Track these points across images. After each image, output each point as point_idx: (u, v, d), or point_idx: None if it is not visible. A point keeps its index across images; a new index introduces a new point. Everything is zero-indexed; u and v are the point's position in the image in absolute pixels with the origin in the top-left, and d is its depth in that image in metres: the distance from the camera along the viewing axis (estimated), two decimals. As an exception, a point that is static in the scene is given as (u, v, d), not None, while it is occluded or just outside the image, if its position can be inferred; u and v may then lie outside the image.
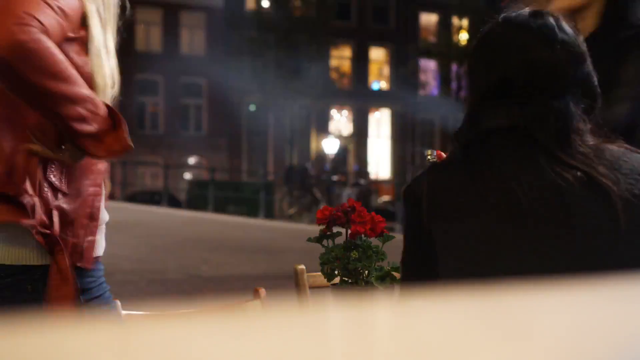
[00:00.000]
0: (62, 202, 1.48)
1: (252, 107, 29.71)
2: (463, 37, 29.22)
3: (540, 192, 1.27)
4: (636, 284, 0.50)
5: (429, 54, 29.73)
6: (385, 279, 1.61)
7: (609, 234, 1.25)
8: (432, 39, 31.59)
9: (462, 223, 1.29)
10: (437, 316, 0.41)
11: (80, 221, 1.51)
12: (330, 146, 29.40)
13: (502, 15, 1.38)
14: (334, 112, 31.93)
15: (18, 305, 1.45)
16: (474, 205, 1.29)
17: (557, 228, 1.25)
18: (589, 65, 1.34)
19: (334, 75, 30.41)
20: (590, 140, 1.31)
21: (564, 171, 1.27)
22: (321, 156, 30.03)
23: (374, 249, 1.64)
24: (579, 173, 1.26)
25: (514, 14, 1.37)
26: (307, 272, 1.95)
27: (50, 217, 1.46)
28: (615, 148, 1.32)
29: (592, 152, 1.29)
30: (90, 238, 1.52)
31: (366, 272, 1.63)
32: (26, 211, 1.43)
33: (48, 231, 1.44)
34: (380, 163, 32.73)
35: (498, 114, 1.32)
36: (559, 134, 1.29)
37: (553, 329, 0.40)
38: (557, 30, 1.33)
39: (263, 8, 27.76)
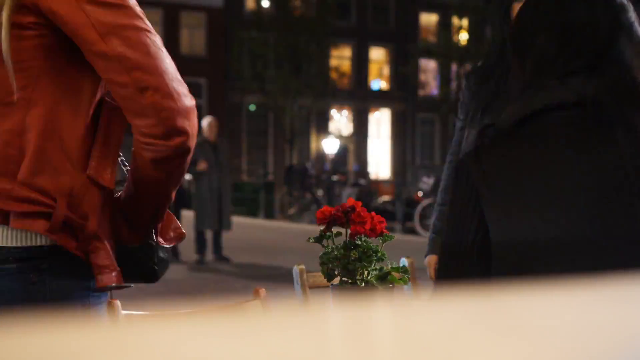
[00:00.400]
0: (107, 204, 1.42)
1: (252, 107, 29.72)
2: (463, 37, 29.21)
3: (615, 176, 1.19)
4: (636, 284, 0.50)
5: (429, 54, 29.72)
6: (385, 279, 1.61)
7: None
8: (432, 39, 31.59)
9: (525, 214, 1.21)
10: (437, 316, 0.41)
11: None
12: (330, 146, 29.41)
13: None
14: (334, 112, 31.92)
15: (20, 299, 1.32)
16: (539, 194, 1.21)
17: (626, 212, 1.17)
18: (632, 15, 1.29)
19: (334, 75, 30.40)
20: None
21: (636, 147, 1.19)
22: (321, 156, 30.03)
23: (374, 249, 1.64)
24: None
25: None
26: (307, 272, 1.95)
27: (86, 218, 1.36)
28: None
29: None
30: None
31: (366, 272, 1.63)
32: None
33: (74, 231, 1.35)
34: (380, 163, 32.73)
35: (560, 89, 1.24)
36: (631, 105, 1.21)
37: (554, 329, 0.40)
38: None
39: (263, 8, 27.76)
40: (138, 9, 1.30)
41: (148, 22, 1.30)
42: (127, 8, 1.28)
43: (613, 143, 1.21)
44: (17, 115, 1.28)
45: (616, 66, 1.25)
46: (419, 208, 14.52)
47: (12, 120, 1.28)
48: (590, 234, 1.18)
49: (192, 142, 1.32)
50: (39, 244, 1.32)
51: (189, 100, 1.29)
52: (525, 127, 1.25)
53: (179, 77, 1.30)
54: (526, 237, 1.21)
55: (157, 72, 1.25)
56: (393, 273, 1.62)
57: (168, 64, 1.28)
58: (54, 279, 1.33)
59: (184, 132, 1.28)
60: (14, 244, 1.32)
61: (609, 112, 1.22)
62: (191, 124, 1.30)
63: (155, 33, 1.31)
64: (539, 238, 1.20)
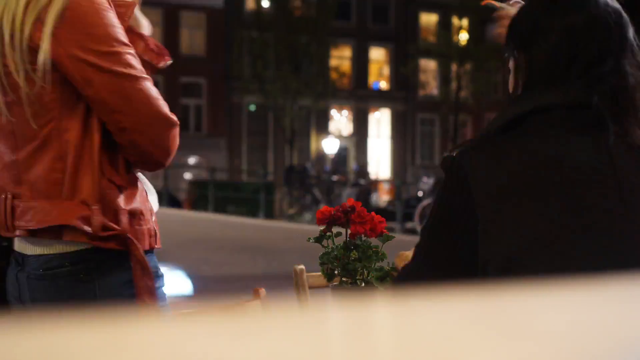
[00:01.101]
0: (127, 198, 1.51)
1: (252, 107, 29.72)
2: (463, 37, 29.21)
3: (598, 174, 1.20)
4: (636, 283, 0.50)
5: (429, 54, 29.72)
6: (385, 279, 1.61)
7: None
8: (432, 39, 31.58)
9: (516, 205, 1.20)
10: (437, 316, 0.41)
11: (145, 206, 1.56)
12: (330, 146, 29.40)
13: None
14: (334, 112, 31.92)
15: (73, 297, 1.48)
16: (529, 187, 1.20)
17: (614, 216, 1.18)
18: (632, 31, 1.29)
19: (334, 75, 30.39)
20: None
21: (627, 153, 1.21)
22: (321, 156, 30.03)
23: (374, 249, 1.64)
24: None
25: None
26: (307, 272, 1.95)
27: (116, 216, 1.48)
28: None
29: None
30: (154, 218, 1.60)
31: (366, 272, 1.63)
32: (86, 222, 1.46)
33: (112, 232, 1.47)
34: (380, 163, 32.72)
35: (555, 91, 1.25)
36: (623, 112, 1.23)
37: (553, 329, 0.40)
38: None
39: (263, 8, 27.76)
40: (127, 52, 1.47)
41: (134, 61, 1.48)
42: (114, 54, 1.45)
43: (598, 144, 1.22)
44: (55, 143, 1.47)
45: (618, 77, 1.25)
46: (419, 208, 14.51)
47: (53, 149, 1.47)
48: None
49: (167, 163, 1.54)
50: (85, 247, 1.49)
51: (168, 130, 1.53)
52: (518, 128, 1.25)
53: (160, 108, 1.51)
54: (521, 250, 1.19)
55: (132, 113, 1.47)
56: (393, 273, 1.62)
57: (145, 102, 1.48)
58: (101, 277, 1.50)
59: (160, 164, 1.53)
60: (67, 250, 1.49)
61: (601, 118, 1.22)
62: (168, 154, 1.53)
63: (136, 70, 1.48)
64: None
